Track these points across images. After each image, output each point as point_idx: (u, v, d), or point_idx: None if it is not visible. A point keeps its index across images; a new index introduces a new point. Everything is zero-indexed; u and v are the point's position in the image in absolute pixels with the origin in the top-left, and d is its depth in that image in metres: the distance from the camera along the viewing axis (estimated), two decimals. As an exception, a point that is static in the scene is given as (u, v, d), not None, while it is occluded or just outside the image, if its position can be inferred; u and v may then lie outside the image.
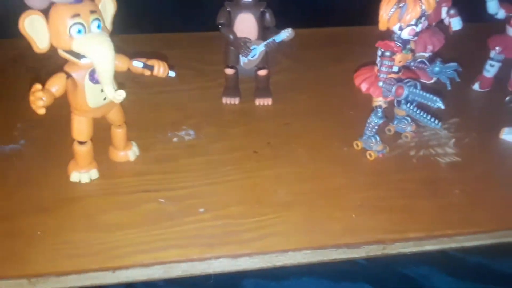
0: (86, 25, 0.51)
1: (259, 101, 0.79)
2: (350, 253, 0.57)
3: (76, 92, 0.55)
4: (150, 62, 0.57)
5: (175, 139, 0.71)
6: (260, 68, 0.77)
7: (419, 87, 0.58)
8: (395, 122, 0.71)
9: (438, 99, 0.54)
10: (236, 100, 0.79)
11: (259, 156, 0.68)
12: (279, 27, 0.73)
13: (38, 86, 0.52)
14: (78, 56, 0.52)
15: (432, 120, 0.57)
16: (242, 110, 0.78)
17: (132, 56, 0.58)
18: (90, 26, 0.52)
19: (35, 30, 0.50)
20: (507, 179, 0.65)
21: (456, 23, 0.77)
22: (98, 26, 0.52)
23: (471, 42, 0.86)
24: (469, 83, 0.84)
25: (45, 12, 0.51)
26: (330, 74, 0.88)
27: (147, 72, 0.57)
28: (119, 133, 0.64)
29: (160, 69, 0.57)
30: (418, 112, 0.57)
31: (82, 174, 0.62)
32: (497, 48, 0.78)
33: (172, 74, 0.59)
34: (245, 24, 0.71)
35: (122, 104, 0.59)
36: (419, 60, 0.65)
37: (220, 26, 0.72)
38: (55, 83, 0.54)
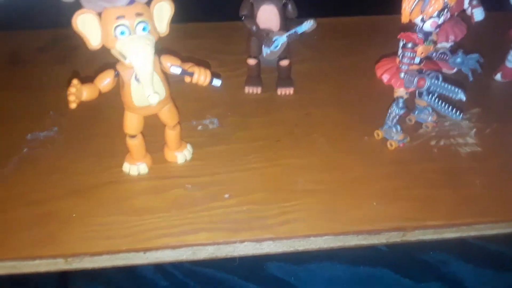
0: (130, 27, 0.52)
1: (281, 91, 0.80)
2: (371, 239, 0.58)
3: (124, 89, 0.57)
4: (191, 69, 0.58)
5: (199, 127, 0.73)
6: (282, 59, 0.78)
7: (441, 79, 0.59)
8: (416, 112, 0.72)
9: (460, 91, 0.55)
10: (258, 90, 0.80)
11: (281, 145, 0.70)
12: (301, 17, 0.74)
13: (75, 81, 0.53)
14: (123, 56, 0.53)
15: (454, 111, 0.58)
16: (264, 100, 0.80)
17: (183, 58, 0.59)
18: (135, 29, 0.53)
19: (87, 28, 0.52)
20: (527, 170, 0.65)
21: (478, 14, 0.77)
22: (144, 29, 0.53)
23: (494, 32, 0.86)
24: (491, 73, 0.84)
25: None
26: (351, 64, 0.89)
27: (187, 79, 0.58)
28: (170, 134, 0.64)
29: (201, 77, 0.57)
30: (440, 103, 0.58)
31: (132, 166, 0.64)
32: (520, 38, 0.78)
33: (217, 83, 0.59)
34: (268, 16, 0.73)
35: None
36: (441, 51, 0.65)
37: (243, 18, 0.73)
38: (103, 78, 0.56)
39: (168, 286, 0.54)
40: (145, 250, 0.56)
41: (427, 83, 0.58)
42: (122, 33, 0.52)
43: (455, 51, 0.66)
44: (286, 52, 0.77)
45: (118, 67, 0.56)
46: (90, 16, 0.52)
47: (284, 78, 0.81)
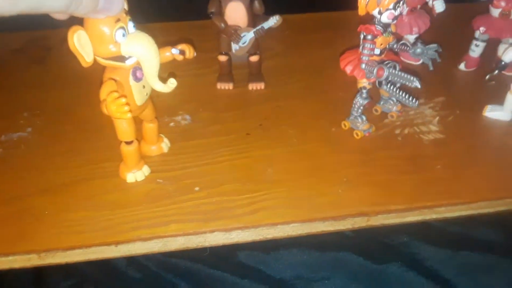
0: (126, 28, 0.52)
1: (252, 86, 0.82)
2: (336, 225, 0.61)
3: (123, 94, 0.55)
4: (181, 47, 0.59)
5: (171, 124, 0.75)
6: (252, 54, 0.80)
7: (398, 68, 0.61)
8: (381, 103, 0.74)
9: (415, 79, 0.58)
10: (230, 86, 0.82)
11: (252, 138, 0.72)
12: (269, 13, 0.76)
13: (115, 94, 0.53)
14: (123, 59, 0.53)
15: (410, 99, 0.60)
16: (236, 95, 0.82)
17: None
18: (127, 28, 0.53)
19: (82, 45, 0.51)
20: (486, 154, 0.68)
21: (439, 6, 0.79)
22: (134, 26, 0.54)
23: (457, 23, 0.89)
24: (456, 63, 0.86)
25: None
26: (321, 57, 0.91)
27: (179, 58, 0.60)
28: (151, 128, 0.66)
29: (191, 51, 0.60)
30: (397, 91, 0.60)
31: (137, 173, 0.64)
32: (481, 28, 0.80)
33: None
34: (235, 12, 0.74)
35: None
36: (402, 42, 0.68)
37: (211, 15, 0.75)
38: (112, 89, 0.54)
39: (141, 278, 0.55)
40: (117, 243, 0.57)
41: (385, 73, 0.60)
42: (123, 35, 0.52)
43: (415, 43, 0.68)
44: (256, 47, 0.79)
45: (111, 74, 0.55)
46: (83, 32, 0.51)
47: (255, 73, 0.83)
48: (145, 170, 0.65)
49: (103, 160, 0.67)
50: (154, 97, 0.77)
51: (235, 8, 0.74)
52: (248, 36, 0.75)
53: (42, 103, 0.78)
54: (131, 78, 0.56)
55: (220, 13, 0.75)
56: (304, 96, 0.81)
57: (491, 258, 0.55)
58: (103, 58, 0.53)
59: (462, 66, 0.86)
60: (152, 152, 0.68)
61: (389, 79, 0.61)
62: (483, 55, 0.84)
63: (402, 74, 0.59)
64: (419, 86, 0.58)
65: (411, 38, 0.85)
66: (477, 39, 0.83)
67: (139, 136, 0.66)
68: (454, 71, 0.86)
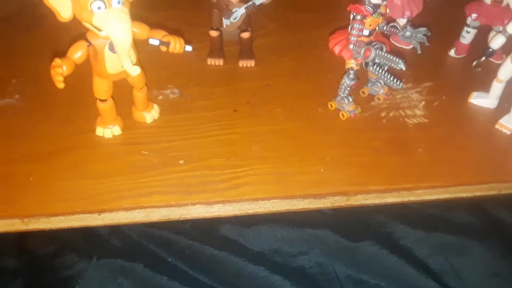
0: (106, 1, 0.53)
1: (242, 63, 0.82)
2: (316, 203, 0.62)
3: (96, 58, 0.58)
4: (167, 38, 0.59)
5: (160, 97, 0.75)
6: (243, 31, 0.80)
7: (384, 49, 0.61)
8: (369, 85, 0.75)
9: (400, 61, 0.58)
10: (220, 61, 0.82)
11: (239, 114, 0.73)
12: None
13: (58, 61, 0.55)
14: (99, 28, 0.55)
15: (395, 80, 0.60)
16: (226, 71, 0.82)
17: (153, 26, 0.61)
18: (111, 2, 0.53)
19: (58, 1, 0.52)
20: (467, 139, 0.69)
21: (431, -10, 0.79)
22: (118, 2, 0.54)
23: (449, 8, 0.89)
24: (446, 48, 0.87)
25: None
26: (314, 37, 0.91)
27: (164, 48, 0.60)
28: (138, 96, 0.67)
29: (177, 45, 0.60)
30: (382, 72, 0.61)
31: (106, 130, 0.66)
32: (473, 15, 0.80)
33: (189, 48, 0.61)
34: (228, -13, 0.74)
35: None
36: (391, 24, 0.68)
37: (203, -11, 0.74)
38: (76, 50, 0.57)
39: (122, 246, 0.56)
40: (100, 211, 0.58)
41: (372, 54, 0.61)
42: (99, 8, 0.52)
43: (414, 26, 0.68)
44: (247, 24, 0.79)
45: (90, 37, 0.57)
46: None
47: (246, 50, 0.83)
48: (115, 130, 0.67)
49: (90, 130, 0.68)
50: (144, 67, 0.77)
51: (228, -18, 0.74)
52: (240, 11, 0.74)
53: (31, 71, 0.78)
54: (107, 47, 0.57)
55: (213, -12, 0.75)
56: (294, 75, 0.81)
57: (464, 240, 0.56)
58: (80, 19, 0.54)
59: (452, 52, 0.86)
60: (140, 118, 0.69)
61: (376, 60, 0.61)
62: (473, 42, 0.85)
63: (388, 55, 0.59)
64: (403, 68, 0.58)
65: (402, 21, 0.85)
66: (468, 26, 0.83)
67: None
68: (444, 57, 0.86)
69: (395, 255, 0.54)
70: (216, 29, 0.80)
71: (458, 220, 0.59)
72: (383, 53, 0.60)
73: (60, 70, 0.54)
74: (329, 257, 0.55)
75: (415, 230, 0.57)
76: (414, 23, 0.83)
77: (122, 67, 0.59)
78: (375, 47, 0.61)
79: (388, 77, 0.60)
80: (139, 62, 0.63)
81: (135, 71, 0.56)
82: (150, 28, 0.60)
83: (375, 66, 0.61)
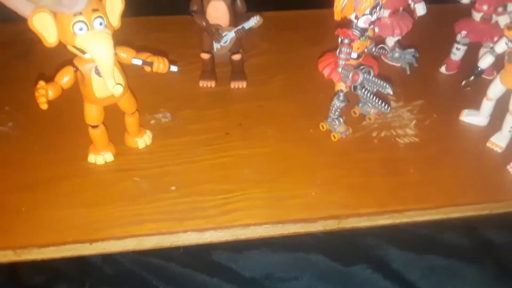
0: (88, 23, 0.54)
1: (234, 84, 0.83)
2: (308, 227, 0.62)
3: (84, 83, 0.60)
4: (150, 58, 0.61)
5: (152, 121, 0.75)
6: (234, 53, 0.81)
7: (372, 74, 0.62)
8: (360, 105, 0.75)
9: (387, 85, 0.58)
10: (212, 84, 0.83)
11: (231, 137, 0.73)
12: (256, 9, 0.76)
13: (42, 83, 0.56)
14: (82, 51, 0.56)
15: (383, 104, 0.61)
16: (218, 93, 0.82)
17: (143, 49, 0.62)
18: (92, 24, 0.55)
19: (44, 26, 0.54)
20: (458, 158, 0.69)
21: (420, 9, 0.80)
22: (101, 24, 0.55)
23: (439, 25, 0.89)
24: (437, 65, 0.87)
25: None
26: (306, 56, 0.91)
27: (148, 68, 0.61)
28: (130, 121, 0.68)
29: (160, 65, 0.61)
30: (370, 96, 0.61)
31: (98, 156, 0.67)
32: (462, 32, 0.81)
33: (174, 68, 0.63)
34: (217, 11, 0.75)
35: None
36: (380, 46, 0.68)
37: (192, 13, 0.75)
38: (63, 75, 0.58)
39: (114, 274, 0.56)
40: (91, 241, 0.58)
41: (360, 78, 0.61)
42: (81, 29, 0.54)
43: (403, 46, 0.69)
44: (238, 46, 0.80)
45: (77, 62, 0.58)
46: (46, 15, 0.53)
47: (237, 72, 0.83)
48: (107, 156, 0.67)
49: (82, 158, 0.68)
50: (136, 92, 0.78)
51: (217, 7, 0.75)
52: (229, 35, 0.75)
53: (24, 98, 0.78)
54: (93, 71, 0.58)
55: (202, 12, 0.75)
56: (285, 96, 0.82)
57: (455, 262, 0.56)
58: (65, 43, 0.56)
59: (443, 69, 0.86)
60: (132, 144, 0.70)
61: (364, 84, 0.62)
62: (464, 58, 0.85)
63: (375, 80, 0.60)
64: (390, 93, 0.59)
65: (393, 40, 0.85)
66: (458, 43, 0.83)
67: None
68: (435, 74, 0.87)
69: (387, 279, 0.54)
70: (207, 52, 0.81)
71: (449, 241, 0.59)
72: (370, 77, 0.60)
73: (43, 92, 0.55)
74: (321, 281, 0.55)
75: (406, 252, 0.57)
76: (404, 41, 0.85)
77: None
78: (363, 71, 0.62)
79: (376, 101, 0.61)
80: (128, 86, 0.64)
81: (117, 90, 0.57)
82: (137, 52, 0.61)
83: (363, 89, 0.62)
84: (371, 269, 0.54)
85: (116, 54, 0.59)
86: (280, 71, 0.88)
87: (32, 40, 0.92)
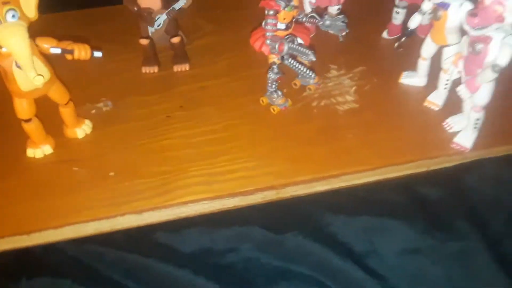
0: (0, 17, 0.54)
1: (177, 68, 0.82)
2: (247, 200, 0.62)
3: (8, 78, 0.59)
4: (71, 46, 0.60)
5: (93, 111, 0.75)
6: (172, 36, 0.80)
7: (296, 42, 0.62)
8: (299, 77, 0.75)
9: (310, 52, 0.58)
10: (155, 69, 0.82)
11: (171, 120, 0.73)
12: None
13: None
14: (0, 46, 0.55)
15: (308, 72, 0.61)
16: (161, 78, 0.82)
17: (58, 37, 0.61)
18: (5, 17, 0.54)
19: None
20: (396, 120, 0.69)
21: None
22: (13, 16, 0.55)
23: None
24: (380, 31, 0.87)
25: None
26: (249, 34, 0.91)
27: (69, 57, 0.61)
28: (64, 112, 0.68)
29: (82, 52, 0.60)
30: (297, 65, 0.61)
31: (36, 150, 0.67)
32: (399, -5, 0.81)
33: (98, 54, 0.62)
34: (148, -5, 0.74)
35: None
36: (310, 15, 0.68)
37: (123, -1, 0.75)
38: None
39: (54, 263, 0.57)
40: (29, 232, 0.58)
41: (285, 48, 0.61)
42: None
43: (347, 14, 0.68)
44: (174, 29, 0.79)
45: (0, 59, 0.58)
46: None
47: (179, 55, 0.83)
48: (46, 149, 0.67)
49: (21, 153, 0.68)
50: (77, 83, 0.77)
51: (148, -10, 0.74)
52: (162, 18, 0.75)
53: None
54: (14, 64, 0.57)
55: (133, -3, 0.75)
56: (229, 75, 0.81)
57: (387, 220, 0.57)
58: None
59: (385, 34, 0.86)
60: (72, 135, 0.70)
61: (290, 53, 0.62)
62: (406, 21, 0.85)
63: (298, 47, 0.60)
64: (313, 59, 0.59)
65: (335, 9, 0.85)
66: (397, 6, 0.83)
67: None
68: (378, 40, 0.87)
69: (318, 242, 0.54)
70: (146, 37, 0.80)
71: (385, 201, 0.59)
72: (294, 46, 0.60)
73: None
74: (256, 251, 0.55)
75: (342, 216, 0.57)
76: (346, 9, 0.84)
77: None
78: (288, 40, 0.62)
79: (303, 69, 0.61)
80: (55, 77, 0.63)
81: (38, 81, 0.56)
82: (58, 41, 0.60)
83: (290, 59, 0.62)
84: (302, 235, 0.55)
85: (37, 45, 0.59)
86: (224, 51, 0.87)
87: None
